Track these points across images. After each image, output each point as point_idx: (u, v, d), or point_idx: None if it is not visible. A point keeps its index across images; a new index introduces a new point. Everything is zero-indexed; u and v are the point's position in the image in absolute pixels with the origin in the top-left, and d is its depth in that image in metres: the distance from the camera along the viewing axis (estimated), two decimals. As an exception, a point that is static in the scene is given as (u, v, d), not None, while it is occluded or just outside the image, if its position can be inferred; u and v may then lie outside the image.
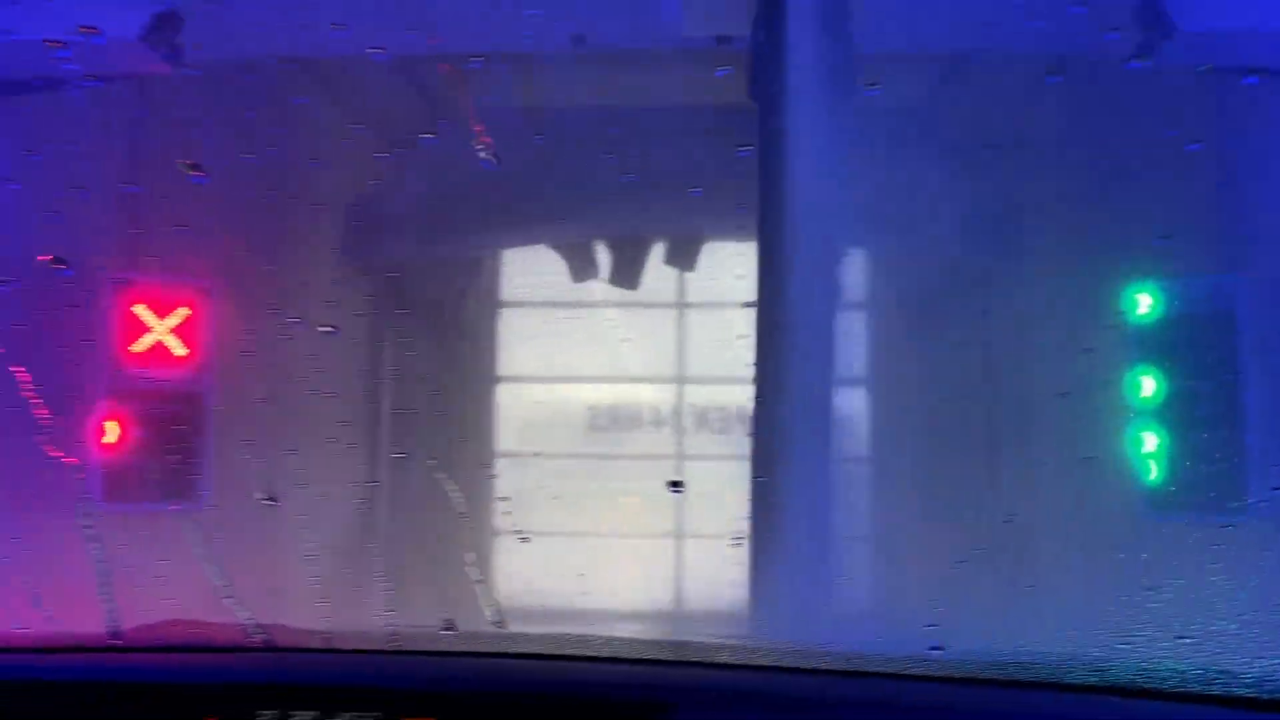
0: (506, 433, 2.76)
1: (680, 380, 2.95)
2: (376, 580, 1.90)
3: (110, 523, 1.89)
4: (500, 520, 1.87)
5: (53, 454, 1.85)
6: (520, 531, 1.92)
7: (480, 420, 2.69)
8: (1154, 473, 3.90)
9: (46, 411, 1.82)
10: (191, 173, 1.87)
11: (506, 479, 1.98)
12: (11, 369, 1.82)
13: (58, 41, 2.22)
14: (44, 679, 1.67)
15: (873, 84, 3.14)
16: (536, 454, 1.94)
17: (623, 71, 2.82)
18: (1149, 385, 3.91)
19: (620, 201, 2.76)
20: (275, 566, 1.93)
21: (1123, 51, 3.20)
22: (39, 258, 1.82)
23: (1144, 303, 3.94)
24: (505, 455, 2.58)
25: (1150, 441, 3.92)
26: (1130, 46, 3.26)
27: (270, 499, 1.87)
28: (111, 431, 1.94)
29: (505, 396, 2.67)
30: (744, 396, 2.00)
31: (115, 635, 1.80)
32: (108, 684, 1.67)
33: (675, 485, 2.02)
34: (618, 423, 2.56)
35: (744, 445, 1.97)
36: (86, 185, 1.92)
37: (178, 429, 1.92)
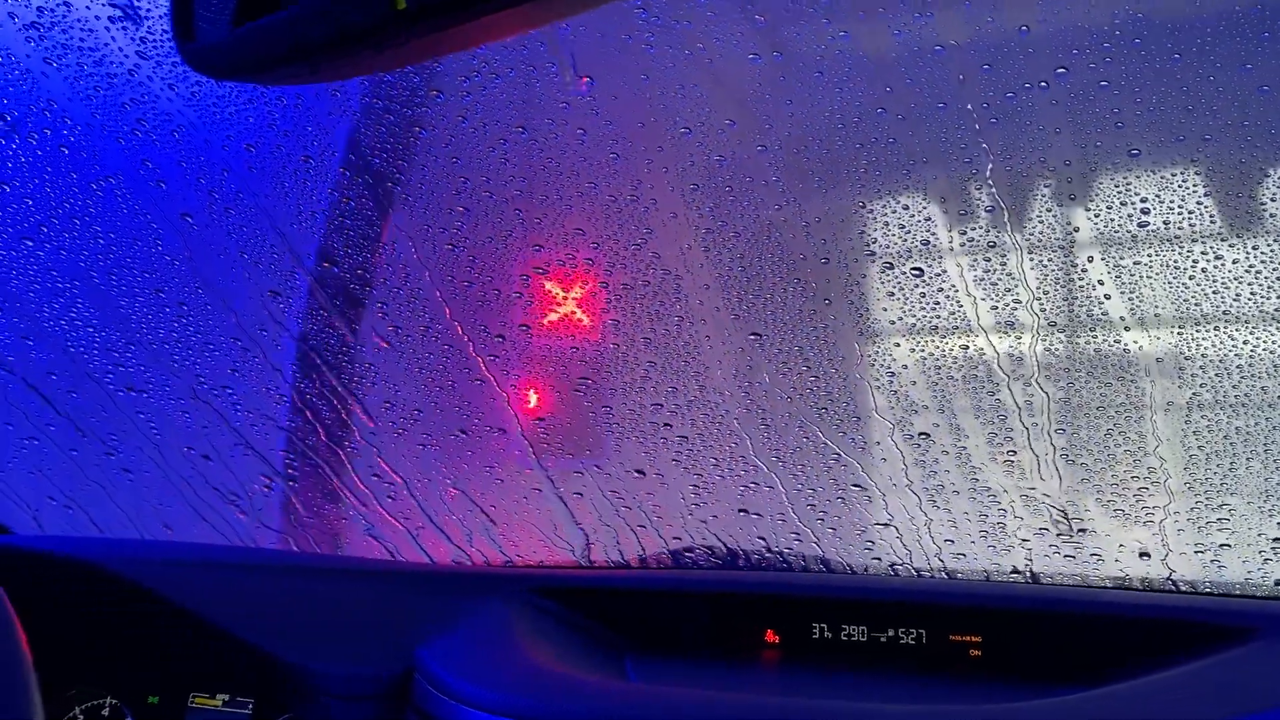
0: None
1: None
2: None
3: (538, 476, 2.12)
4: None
5: (494, 420, 2.12)
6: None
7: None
8: None
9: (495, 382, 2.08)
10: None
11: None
12: (469, 342, 2.08)
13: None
14: (634, 589, 1.87)
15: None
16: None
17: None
18: None
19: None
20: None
21: None
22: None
23: None
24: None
25: None
26: None
27: (639, 471, 2.00)
28: (533, 397, 2.16)
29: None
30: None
31: (670, 557, 2.02)
32: (681, 595, 1.81)
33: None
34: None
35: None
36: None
37: (584, 393, 2.09)
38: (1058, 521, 1.83)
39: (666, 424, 1.97)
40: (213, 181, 1.78)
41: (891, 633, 1.73)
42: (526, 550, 2.06)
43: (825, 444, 1.87)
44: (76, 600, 1.56)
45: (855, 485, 1.92)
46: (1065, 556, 1.83)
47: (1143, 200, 1.78)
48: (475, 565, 2.00)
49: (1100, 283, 1.78)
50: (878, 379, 1.89)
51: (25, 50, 1.83)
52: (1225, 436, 1.76)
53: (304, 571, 1.71)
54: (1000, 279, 1.85)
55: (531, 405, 2.12)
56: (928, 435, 1.87)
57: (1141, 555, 1.77)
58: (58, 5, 1.79)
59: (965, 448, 1.84)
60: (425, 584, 1.76)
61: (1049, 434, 1.77)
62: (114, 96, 1.76)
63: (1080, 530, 1.81)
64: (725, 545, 1.98)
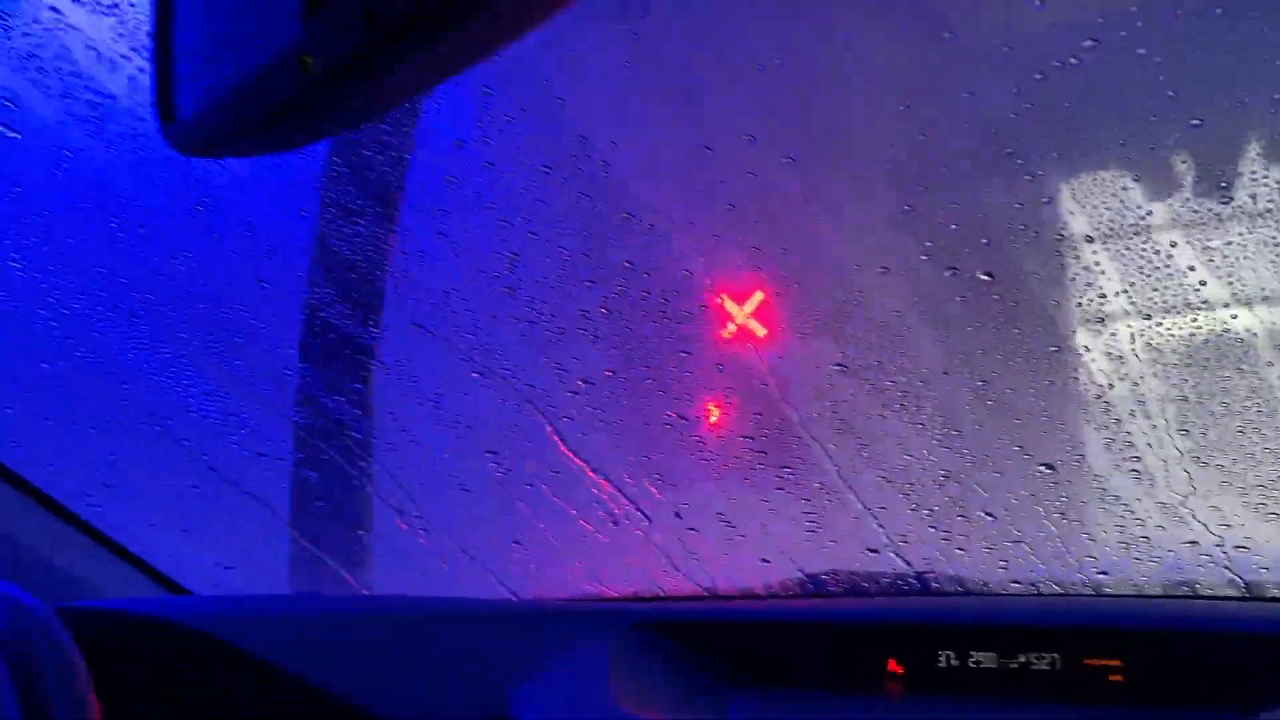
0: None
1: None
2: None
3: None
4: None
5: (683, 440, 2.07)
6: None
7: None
8: None
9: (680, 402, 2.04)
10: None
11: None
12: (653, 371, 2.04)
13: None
14: (746, 620, 1.82)
15: None
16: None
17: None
18: None
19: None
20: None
21: None
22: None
23: None
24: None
25: None
26: None
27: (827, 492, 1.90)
28: (714, 413, 2.11)
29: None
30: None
31: (795, 584, 1.94)
32: (797, 625, 1.76)
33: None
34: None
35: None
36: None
37: (765, 406, 2.02)
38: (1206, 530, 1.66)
39: (761, 451, 1.91)
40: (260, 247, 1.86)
41: (1023, 658, 1.61)
42: (641, 583, 2.02)
43: (931, 461, 1.76)
44: (150, 662, 1.53)
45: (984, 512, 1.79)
46: (1223, 567, 1.65)
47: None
48: (575, 599, 1.97)
49: (1191, 269, 1.60)
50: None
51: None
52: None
53: (390, 619, 1.70)
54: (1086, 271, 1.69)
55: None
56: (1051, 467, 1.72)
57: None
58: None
59: (1083, 456, 1.69)
60: (521, 623, 1.74)
61: (1171, 435, 1.60)
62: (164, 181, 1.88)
63: (1239, 546, 1.62)
64: (854, 570, 1.90)
